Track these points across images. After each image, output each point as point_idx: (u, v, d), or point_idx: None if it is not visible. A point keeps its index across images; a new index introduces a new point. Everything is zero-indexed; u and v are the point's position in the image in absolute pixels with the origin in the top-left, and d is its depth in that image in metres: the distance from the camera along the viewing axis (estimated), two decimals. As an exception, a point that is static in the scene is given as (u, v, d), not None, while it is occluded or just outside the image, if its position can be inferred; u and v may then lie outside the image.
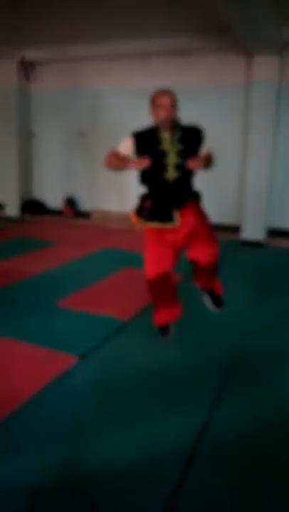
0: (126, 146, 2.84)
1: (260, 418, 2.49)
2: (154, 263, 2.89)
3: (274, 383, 2.86)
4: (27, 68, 8.38)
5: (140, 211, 2.90)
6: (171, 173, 2.81)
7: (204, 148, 2.88)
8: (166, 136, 2.82)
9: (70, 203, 8.71)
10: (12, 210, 8.84)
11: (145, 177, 2.89)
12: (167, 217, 2.84)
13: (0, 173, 8.87)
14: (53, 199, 8.98)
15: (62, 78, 8.39)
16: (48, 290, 4.48)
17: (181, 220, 2.86)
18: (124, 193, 8.21)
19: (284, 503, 1.91)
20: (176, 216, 2.86)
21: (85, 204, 8.73)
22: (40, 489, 1.94)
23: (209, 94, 7.30)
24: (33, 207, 8.99)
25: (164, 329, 3.32)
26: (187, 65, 7.36)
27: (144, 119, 8.24)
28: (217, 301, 3.33)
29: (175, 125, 2.83)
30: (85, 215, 8.68)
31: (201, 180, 7.50)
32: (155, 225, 2.88)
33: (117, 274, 5.03)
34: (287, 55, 6.56)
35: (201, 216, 3.00)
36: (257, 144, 6.81)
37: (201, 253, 2.99)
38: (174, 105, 2.78)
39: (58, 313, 3.92)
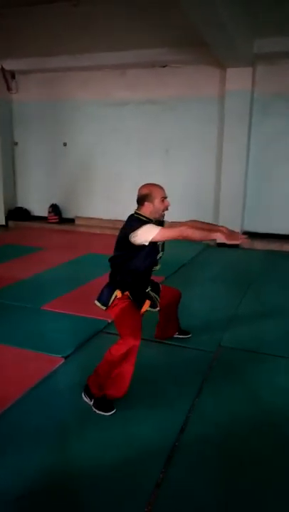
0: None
1: (239, 413, 2.50)
2: (138, 331, 2.60)
3: (252, 379, 2.88)
4: (7, 78, 8.31)
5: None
6: (159, 266, 2.87)
7: None
8: None
9: (55, 210, 8.66)
10: (-3, 217, 8.75)
11: (137, 272, 2.77)
12: (142, 303, 2.82)
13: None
14: (38, 206, 8.91)
15: (43, 89, 8.35)
16: (34, 294, 4.43)
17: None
18: (106, 200, 8.21)
19: (263, 496, 1.91)
20: (156, 296, 2.93)
21: (69, 211, 8.69)
22: (24, 492, 1.89)
23: (185, 105, 7.36)
24: (18, 214, 8.90)
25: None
26: (164, 77, 7.41)
27: (124, 130, 8.34)
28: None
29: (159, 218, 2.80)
30: (69, 221, 8.63)
31: (180, 187, 7.62)
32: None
33: (102, 277, 4.99)
34: (259, 66, 6.69)
35: None
36: (231, 153, 6.89)
37: None
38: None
39: (43, 316, 3.88)
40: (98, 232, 8.10)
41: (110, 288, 2.80)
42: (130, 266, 2.73)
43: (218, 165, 7.23)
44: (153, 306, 2.89)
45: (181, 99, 7.39)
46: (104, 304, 2.78)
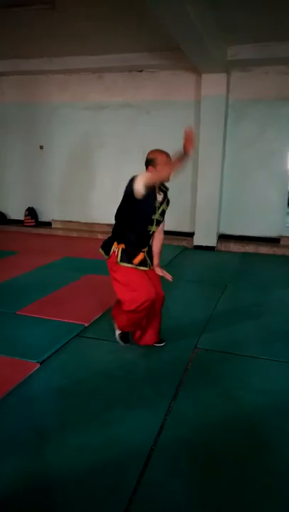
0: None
1: (215, 414, 2.50)
2: (149, 285, 2.95)
3: (228, 380, 2.89)
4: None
5: (129, 258, 2.98)
6: (154, 227, 3.05)
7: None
8: (159, 196, 2.99)
9: (31, 213, 8.54)
10: (-28, 221, 8.57)
11: (133, 227, 2.99)
12: (146, 263, 3.08)
13: None
14: (14, 210, 8.77)
15: (20, 91, 8.24)
16: (9, 299, 4.34)
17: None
18: (83, 203, 8.16)
19: (241, 496, 1.92)
20: (148, 261, 3.12)
21: (45, 214, 8.59)
22: (2, 498, 1.85)
23: (162, 109, 7.41)
24: (-7, 218, 8.75)
25: (126, 336, 3.33)
26: (141, 81, 7.44)
27: (101, 133, 8.33)
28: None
29: (163, 184, 3.01)
30: (45, 225, 8.54)
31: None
32: (139, 268, 3.03)
33: (78, 281, 4.97)
34: (233, 73, 6.81)
35: None
36: (207, 156, 6.97)
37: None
38: None
39: (18, 320, 3.80)
40: (75, 235, 8.05)
41: (111, 240, 3.05)
42: (126, 219, 2.97)
43: (194, 168, 7.29)
44: (144, 264, 3.03)
45: (157, 104, 7.43)
46: (107, 253, 3.04)
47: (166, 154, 2.92)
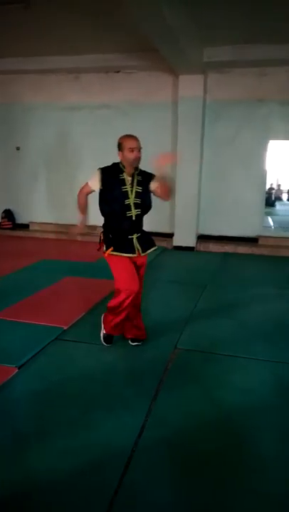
0: (94, 181, 3.08)
1: (195, 414, 2.52)
2: (130, 277, 3.03)
3: (208, 379, 2.92)
4: None
5: (109, 245, 3.07)
6: (133, 211, 3.05)
7: (153, 185, 3.10)
8: (128, 178, 3.04)
9: (8, 215, 8.42)
10: None
11: (112, 215, 3.09)
12: (131, 250, 3.08)
13: None
14: (-9, 212, 8.63)
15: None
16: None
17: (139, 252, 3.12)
18: (61, 204, 8.09)
19: (223, 494, 1.94)
20: (138, 246, 3.11)
21: (23, 216, 8.48)
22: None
23: (139, 110, 7.42)
24: None
25: (109, 338, 3.36)
26: (118, 82, 7.44)
27: (78, 134, 8.28)
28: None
29: (137, 168, 3.06)
30: (23, 227, 8.43)
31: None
32: (123, 255, 3.07)
33: (57, 283, 4.92)
34: (210, 74, 6.88)
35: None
36: (185, 157, 7.01)
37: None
38: (140, 149, 3.01)
39: (-4, 325, 3.75)
40: (53, 237, 7.97)
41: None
42: (104, 211, 3.10)
43: (173, 169, 7.32)
44: (129, 250, 3.06)
45: (135, 104, 7.44)
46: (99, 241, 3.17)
47: (132, 138, 3.02)
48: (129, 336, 3.39)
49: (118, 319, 3.16)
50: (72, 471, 2.04)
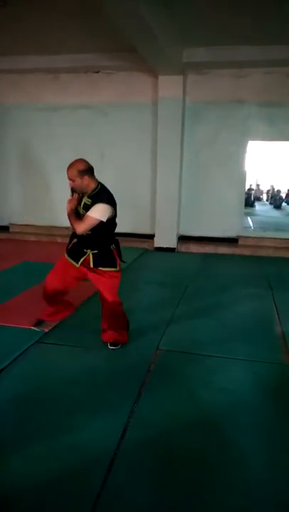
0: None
1: (178, 414, 2.54)
2: (52, 275, 3.46)
3: (189, 380, 2.95)
4: None
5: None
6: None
7: (88, 212, 3.10)
8: (83, 200, 3.17)
9: (-13, 217, 8.29)
10: None
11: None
12: (75, 258, 3.28)
13: None
14: None
15: None
16: None
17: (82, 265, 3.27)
18: (40, 206, 8.01)
19: (203, 495, 1.96)
20: (81, 260, 3.25)
21: (2, 218, 8.36)
22: None
23: (119, 111, 7.42)
24: None
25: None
26: (97, 82, 7.42)
27: (57, 135, 8.19)
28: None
29: (84, 193, 3.15)
30: (3, 229, 8.31)
31: (117, 192, 7.63)
32: (68, 259, 3.34)
33: (38, 286, 4.86)
34: (189, 75, 6.93)
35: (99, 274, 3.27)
36: (165, 158, 7.06)
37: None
38: (74, 177, 3.06)
39: (-25, 329, 3.70)
40: (34, 239, 7.90)
41: None
42: None
43: (153, 170, 7.37)
44: (72, 257, 3.30)
45: (114, 105, 7.43)
46: None
47: (69, 169, 3.11)
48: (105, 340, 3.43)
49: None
50: (54, 475, 2.03)
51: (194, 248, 7.30)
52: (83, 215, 3.10)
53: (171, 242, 7.32)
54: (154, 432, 2.38)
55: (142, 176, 7.55)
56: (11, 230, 8.25)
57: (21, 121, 7.87)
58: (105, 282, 3.24)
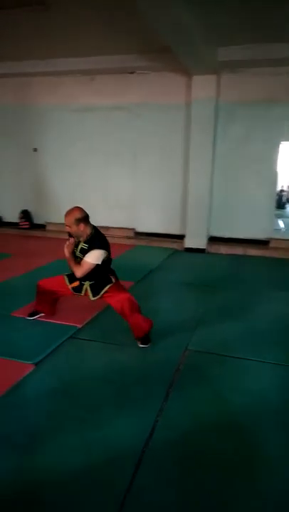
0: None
1: (205, 416, 2.55)
2: (53, 281, 3.69)
3: (218, 381, 2.95)
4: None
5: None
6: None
7: (85, 257, 3.33)
8: (78, 245, 3.41)
9: (26, 215, 8.55)
10: None
11: None
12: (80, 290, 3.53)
13: None
14: (9, 212, 8.76)
15: (12, 94, 8.22)
16: (4, 301, 4.37)
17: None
18: (75, 205, 8.15)
19: (229, 498, 1.97)
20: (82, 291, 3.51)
21: (40, 217, 8.60)
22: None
23: (152, 111, 7.44)
24: (-12, 220, 8.74)
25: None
26: (132, 83, 7.46)
27: (92, 135, 8.31)
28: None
29: (80, 239, 3.37)
30: (40, 227, 8.54)
31: (148, 193, 7.68)
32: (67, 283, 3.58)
33: (71, 283, 4.99)
34: (223, 74, 6.86)
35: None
36: (197, 159, 7.03)
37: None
38: (71, 224, 3.26)
39: (13, 322, 3.84)
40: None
41: None
42: None
43: (184, 171, 7.36)
44: (77, 290, 3.52)
45: (148, 106, 7.46)
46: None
47: (66, 217, 3.28)
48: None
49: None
50: (83, 467, 2.10)
51: (224, 249, 7.24)
52: (80, 259, 3.34)
53: (201, 243, 7.29)
54: (182, 432, 2.40)
55: (173, 177, 7.55)
56: (47, 228, 8.47)
57: (59, 122, 8.03)
58: (111, 296, 3.42)
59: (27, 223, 8.51)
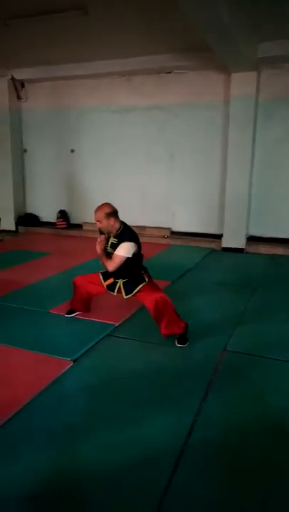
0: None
1: (245, 417, 2.49)
2: (88, 278, 3.76)
3: (257, 383, 2.87)
4: (17, 87, 8.41)
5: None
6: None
7: (116, 251, 3.39)
8: (109, 241, 3.50)
9: (63, 215, 8.72)
10: (7, 223, 8.83)
11: None
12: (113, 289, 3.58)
13: (-5, 189, 8.88)
14: (47, 212, 8.98)
15: (51, 97, 8.44)
16: (42, 298, 4.46)
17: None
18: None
19: (267, 500, 1.91)
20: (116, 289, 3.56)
21: (76, 217, 8.74)
22: (34, 496, 1.90)
23: (190, 111, 7.39)
24: (27, 220, 8.98)
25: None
26: (169, 83, 7.45)
27: (129, 136, 8.39)
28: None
29: (110, 234, 3.46)
30: (77, 227, 8.69)
31: (185, 192, 7.62)
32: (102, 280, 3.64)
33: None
34: (263, 71, 6.69)
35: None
36: (236, 157, 6.90)
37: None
38: (101, 219, 3.35)
39: (52, 319, 3.91)
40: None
41: None
42: None
43: (222, 170, 7.24)
44: (111, 289, 3.56)
45: (185, 105, 7.42)
46: None
47: (95, 211, 3.38)
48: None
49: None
50: (121, 465, 2.09)
51: (263, 249, 7.05)
52: (111, 254, 3.41)
53: (240, 243, 7.14)
54: (221, 431, 2.35)
55: (211, 176, 7.46)
56: (84, 228, 8.60)
57: (97, 123, 8.14)
58: (145, 295, 3.41)
59: (64, 223, 8.68)
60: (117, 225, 3.41)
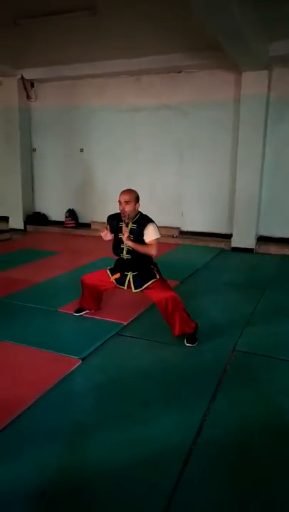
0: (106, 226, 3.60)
1: (254, 417, 2.48)
2: (94, 276, 3.77)
3: (267, 383, 2.86)
4: (27, 87, 8.47)
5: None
6: (125, 255, 3.51)
7: (147, 237, 3.44)
8: (124, 227, 3.47)
9: (72, 214, 8.76)
10: (16, 222, 8.90)
11: (114, 252, 3.65)
12: (123, 283, 3.57)
13: (4, 188, 8.94)
14: (55, 211, 9.02)
15: (60, 96, 8.48)
16: (51, 297, 4.48)
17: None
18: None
19: (272, 501, 1.90)
20: (125, 283, 3.55)
21: (85, 216, 8.77)
22: (42, 493, 1.91)
23: (200, 110, 7.37)
24: (36, 219, 9.03)
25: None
26: (179, 82, 7.44)
27: (138, 135, 8.38)
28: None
29: (131, 218, 3.45)
30: (85, 226, 8.72)
31: (195, 191, 7.60)
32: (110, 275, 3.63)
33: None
34: (275, 69, 6.65)
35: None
36: (246, 157, 6.86)
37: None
38: (131, 200, 3.39)
39: (60, 317, 3.93)
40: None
41: None
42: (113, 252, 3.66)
43: (232, 169, 7.21)
44: (120, 283, 3.56)
45: (195, 105, 7.40)
46: None
47: (123, 192, 3.44)
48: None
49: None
50: (129, 463, 2.09)
51: (274, 249, 7.00)
52: (132, 241, 3.40)
53: (249, 243, 7.10)
54: (230, 432, 2.34)
55: (220, 175, 7.43)
56: (92, 227, 8.62)
57: (106, 122, 8.16)
58: (155, 292, 3.41)
59: (73, 222, 8.71)
60: (136, 211, 3.50)
